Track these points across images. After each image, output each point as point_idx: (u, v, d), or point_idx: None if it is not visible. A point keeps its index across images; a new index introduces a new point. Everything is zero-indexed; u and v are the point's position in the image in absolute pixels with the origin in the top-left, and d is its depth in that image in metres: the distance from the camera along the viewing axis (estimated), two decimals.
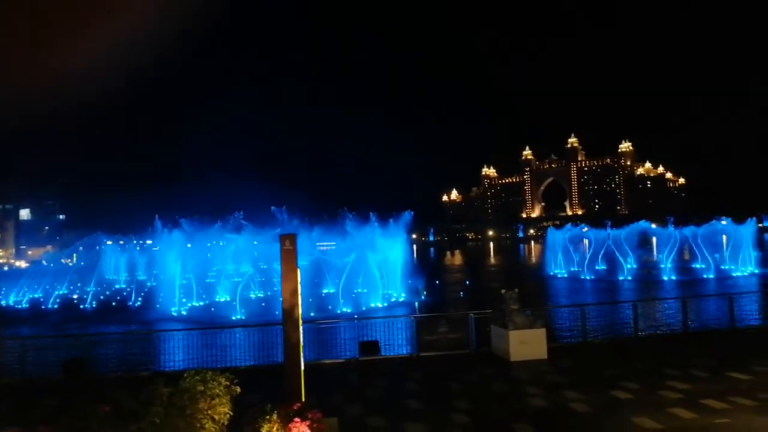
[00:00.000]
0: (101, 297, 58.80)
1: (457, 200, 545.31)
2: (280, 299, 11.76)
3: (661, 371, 16.69)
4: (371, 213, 65.16)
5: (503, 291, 20.18)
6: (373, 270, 52.93)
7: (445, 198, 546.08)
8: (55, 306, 56.28)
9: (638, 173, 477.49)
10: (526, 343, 18.97)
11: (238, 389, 9.25)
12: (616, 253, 73.55)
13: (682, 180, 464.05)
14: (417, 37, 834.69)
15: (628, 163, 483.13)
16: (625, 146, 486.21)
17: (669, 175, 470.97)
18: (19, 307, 57.93)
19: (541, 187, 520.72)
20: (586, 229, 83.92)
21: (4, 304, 60.11)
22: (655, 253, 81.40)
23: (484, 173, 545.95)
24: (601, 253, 76.04)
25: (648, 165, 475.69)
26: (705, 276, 64.05)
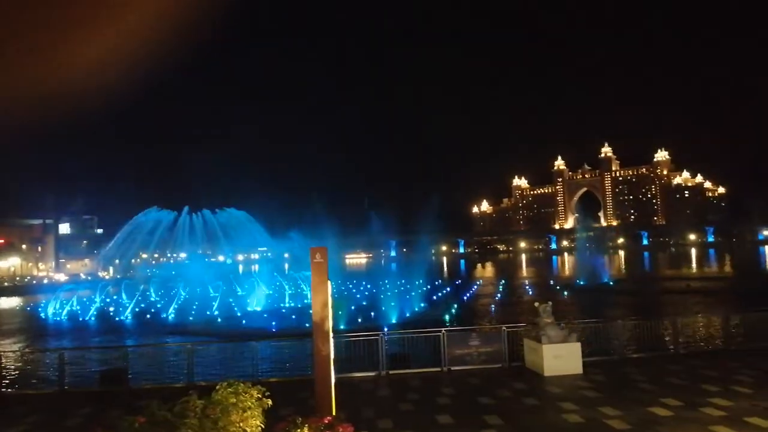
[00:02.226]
0: (136, 309, 59.96)
1: (488, 212, 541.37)
2: (311, 311, 11.80)
3: (702, 388, 16.15)
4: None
5: (537, 304, 19.90)
6: (403, 282, 52.83)
7: (475, 209, 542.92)
8: (92, 318, 57.64)
9: (675, 183, 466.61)
10: (561, 358, 18.60)
11: (270, 402, 9.28)
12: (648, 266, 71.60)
13: (721, 189, 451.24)
14: (444, 43, 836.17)
15: (665, 172, 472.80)
16: (661, 155, 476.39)
17: (708, 184, 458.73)
18: (58, 319, 59.51)
19: (575, 198, 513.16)
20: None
21: (44, 317, 61.83)
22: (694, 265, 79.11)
23: (515, 184, 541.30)
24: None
25: (686, 174, 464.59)
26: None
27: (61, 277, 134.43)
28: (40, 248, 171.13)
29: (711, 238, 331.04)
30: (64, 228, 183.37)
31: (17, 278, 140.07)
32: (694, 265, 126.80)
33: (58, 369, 20.22)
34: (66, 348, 25.33)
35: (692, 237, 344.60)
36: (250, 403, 8.91)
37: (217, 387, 8.97)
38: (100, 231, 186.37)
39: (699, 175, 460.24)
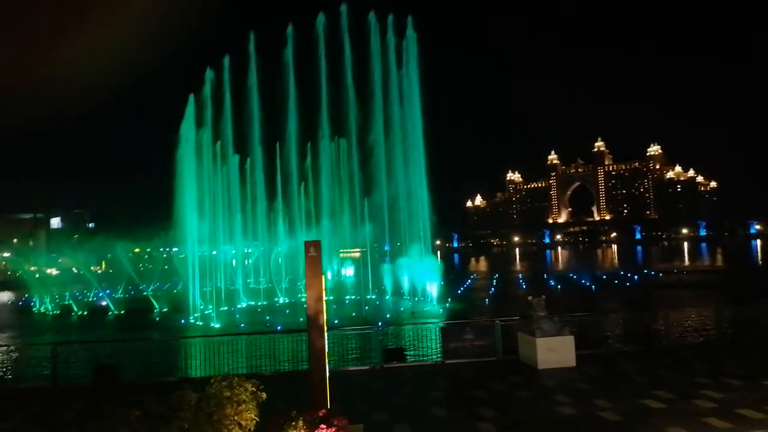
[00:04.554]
0: (129, 304, 59.69)
1: (482, 206, 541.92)
2: (305, 306, 11.78)
3: (694, 380, 16.25)
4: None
5: (530, 298, 19.94)
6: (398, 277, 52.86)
7: (469, 204, 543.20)
8: (85, 313, 57.35)
9: (668, 177, 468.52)
10: (554, 351, 18.66)
11: (264, 395, 9.27)
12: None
13: (714, 183, 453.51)
14: (441, 36, 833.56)
15: (657, 167, 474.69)
16: (654, 149, 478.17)
17: (700, 178, 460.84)
18: (49, 313, 59.19)
19: (568, 192, 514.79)
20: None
21: (35, 311, 61.46)
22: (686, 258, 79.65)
23: (509, 178, 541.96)
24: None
25: (678, 169, 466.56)
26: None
27: (53, 271, 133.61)
28: (31, 242, 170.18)
29: (703, 232, 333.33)
30: (56, 222, 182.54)
31: (8, 272, 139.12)
32: (686, 258, 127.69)
33: (50, 363, 20.12)
34: (58, 342, 25.18)
35: (684, 231, 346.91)
36: (244, 397, 8.90)
37: (212, 381, 8.96)
38: (91, 225, 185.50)
39: (691, 169, 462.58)
